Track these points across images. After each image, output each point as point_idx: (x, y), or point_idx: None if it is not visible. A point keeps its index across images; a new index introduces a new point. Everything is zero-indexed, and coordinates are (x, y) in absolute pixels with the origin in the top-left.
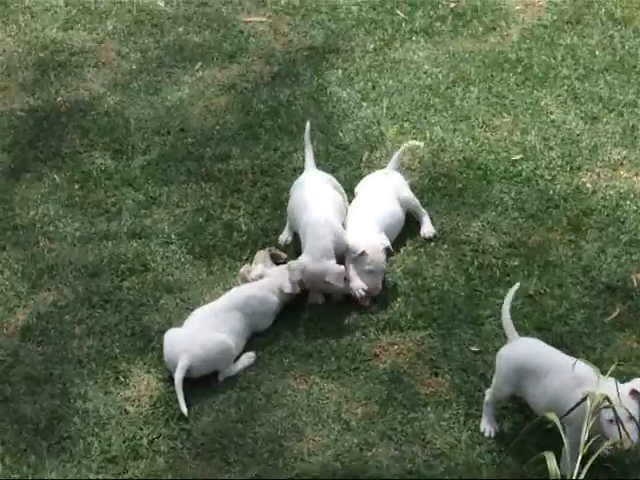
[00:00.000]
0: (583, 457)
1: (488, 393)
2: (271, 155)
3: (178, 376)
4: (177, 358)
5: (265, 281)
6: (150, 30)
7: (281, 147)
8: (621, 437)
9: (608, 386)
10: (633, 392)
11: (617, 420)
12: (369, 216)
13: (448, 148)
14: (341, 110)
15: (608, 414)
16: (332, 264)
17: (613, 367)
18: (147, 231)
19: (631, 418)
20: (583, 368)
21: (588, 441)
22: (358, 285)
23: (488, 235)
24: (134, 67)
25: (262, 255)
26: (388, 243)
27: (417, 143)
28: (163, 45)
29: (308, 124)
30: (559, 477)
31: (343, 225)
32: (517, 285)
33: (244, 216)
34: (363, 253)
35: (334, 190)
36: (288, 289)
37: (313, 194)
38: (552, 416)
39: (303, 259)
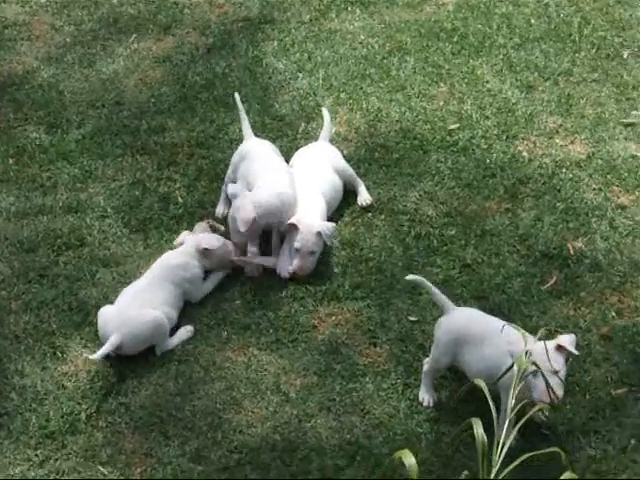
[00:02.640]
0: (516, 422)
1: (426, 363)
2: (207, 127)
3: (103, 350)
4: (110, 336)
5: (184, 247)
6: (84, 3)
7: (217, 119)
8: (550, 393)
9: (536, 347)
10: (558, 347)
11: (542, 375)
12: (313, 190)
13: (385, 118)
14: (277, 81)
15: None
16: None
17: (542, 331)
18: (83, 205)
19: (556, 373)
20: (517, 334)
21: (519, 406)
22: (284, 265)
23: (425, 205)
24: (68, 40)
25: (201, 227)
26: (324, 229)
27: (324, 114)
28: (97, 17)
29: (236, 95)
30: (486, 443)
31: None
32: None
33: (180, 189)
34: (295, 227)
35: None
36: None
37: (268, 159)
38: (480, 382)
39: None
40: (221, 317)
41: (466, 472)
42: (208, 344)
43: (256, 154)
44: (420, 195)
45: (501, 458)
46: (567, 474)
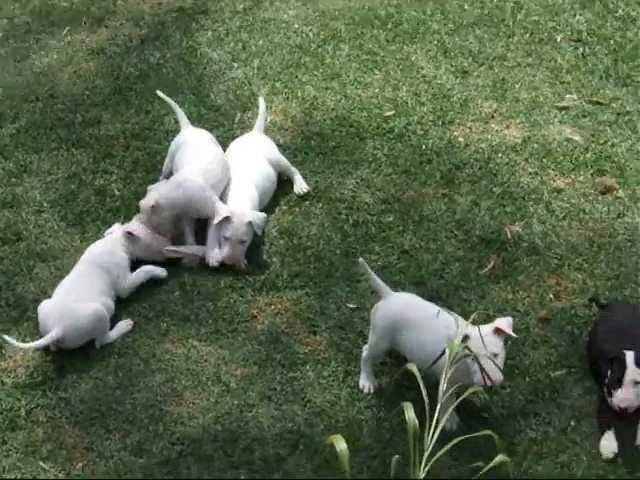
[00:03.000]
0: (446, 406)
1: (365, 349)
2: (142, 119)
3: (42, 341)
4: (50, 330)
5: (112, 235)
6: None
7: (152, 110)
8: (487, 377)
9: (474, 330)
10: (497, 330)
11: (477, 360)
12: (246, 181)
13: (320, 106)
14: (212, 71)
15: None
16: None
17: (474, 315)
18: (19, 200)
19: (495, 356)
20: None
21: (453, 389)
22: (213, 254)
23: (362, 192)
24: (0, 34)
25: (138, 219)
26: (255, 219)
27: (260, 103)
28: (29, 11)
29: (159, 92)
30: (417, 427)
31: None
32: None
33: (117, 181)
34: (227, 219)
35: (217, 147)
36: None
37: (199, 148)
38: (412, 367)
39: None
40: (160, 309)
41: (398, 456)
42: (147, 336)
43: (189, 143)
44: (357, 182)
45: (433, 441)
46: (500, 457)
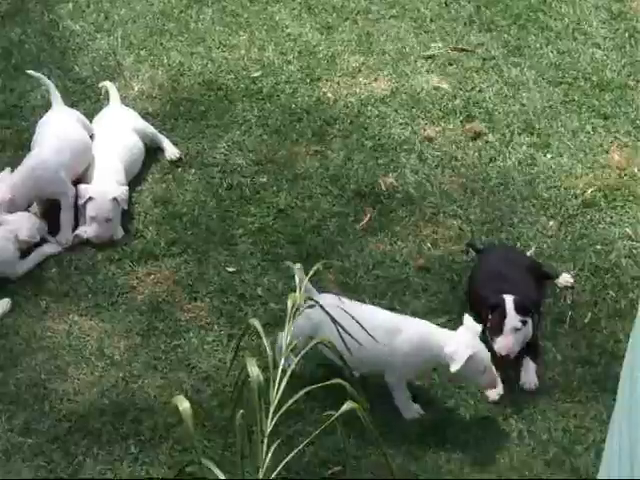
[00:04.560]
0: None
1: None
2: (7, 97)
3: None
4: None
5: (1, 229)
6: None
7: (18, 87)
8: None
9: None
10: None
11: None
12: (109, 155)
13: (187, 72)
14: (75, 44)
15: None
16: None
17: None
18: None
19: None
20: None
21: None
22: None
23: (235, 155)
24: None
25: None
26: (119, 194)
27: (107, 84)
28: None
29: (30, 72)
30: (261, 382)
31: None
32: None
33: None
34: (90, 199)
35: (80, 127)
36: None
37: (51, 128)
38: (254, 322)
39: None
40: (38, 286)
41: (242, 411)
42: (27, 315)
43: (50, 123)
44: (229, 145)
45: (279, 394)
46: (348, 403)
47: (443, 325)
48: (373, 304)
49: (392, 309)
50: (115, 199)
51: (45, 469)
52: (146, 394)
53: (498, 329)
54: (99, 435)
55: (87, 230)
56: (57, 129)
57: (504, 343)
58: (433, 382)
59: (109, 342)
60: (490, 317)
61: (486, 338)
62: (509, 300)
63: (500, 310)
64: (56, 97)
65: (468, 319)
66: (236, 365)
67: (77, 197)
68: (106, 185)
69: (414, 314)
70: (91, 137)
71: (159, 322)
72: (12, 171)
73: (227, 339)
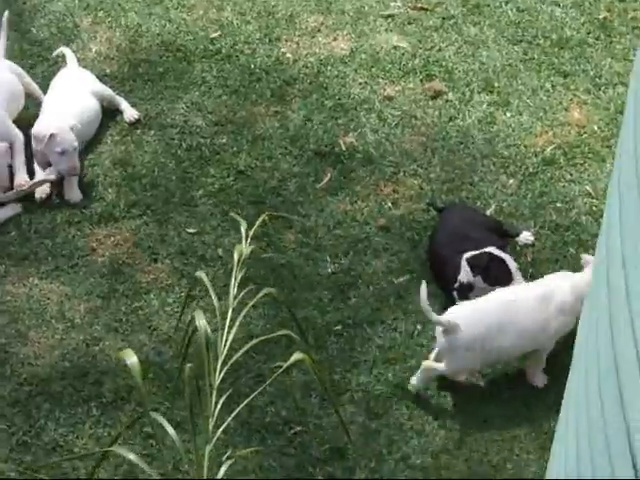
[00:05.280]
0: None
1: None
2: None
3: None
4: None
5: None
6: None
7: None
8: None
9: None
10: None
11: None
12: (62, 117)
13: (145, 33)
14: (32, 5)
15: None
16: None
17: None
18: None
19: None
20: None
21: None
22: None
23: (194, 116)
24: None
25: None
26: (74, 122)
27: (63, 49)
28: None
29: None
30: (209, 334)
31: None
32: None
33: None
34: (52, 135)
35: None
36: None
37: None
38: (201, 275)
39: None
40: None
41: (190, 364)
42: None
43: None
44: (188, 107)
45: (227, 347)
46: (296, 354)
47: (404, 285)
48: (334, 264)
49: (352, 269)
50: (73, 127)
51: (6, 432)
52: (107, 357)
53: (507, 276)
54: (60, 398)
55: (59, 168)
56: None
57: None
58: (394, 341)
59: (69, 305)
60: (489, 267)
61: (452, 297)
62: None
63: (499, 260)
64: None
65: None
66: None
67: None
68: (58, 119)
69: (375, 274)
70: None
71: (119, 284)
72: None
73: (188, 301)
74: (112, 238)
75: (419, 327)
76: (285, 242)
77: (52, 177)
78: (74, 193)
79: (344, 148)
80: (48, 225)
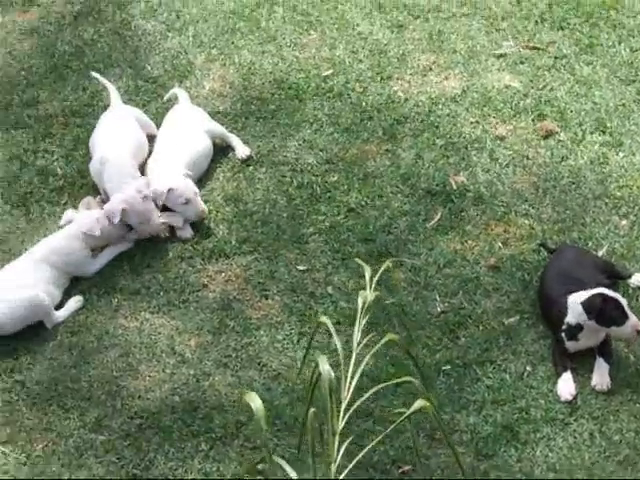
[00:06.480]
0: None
1: None
2: (80, 96)
3: None
4: None
5: (68, 229)
6: None
7: (90, 87)
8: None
9: None
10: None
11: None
12: (174, 154)
13: (258, 71)
14: (147, 43)
15: None
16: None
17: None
18: None
19: None
20: None
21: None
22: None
23: (305, 153)
24: None
25: (85, 204)
26: (186, 170)
27: (175, 90)
28: None
29: (93, 73)
30: (332, 379)
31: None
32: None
33: (58, 160)
34: (170, 190)
35: (133, 126)
36: (95, 231)
37: (105, 131)
38: (324, 319)
39: (121, 197)
40: (110, 284)
41: (314, 409)
42: (99, 313)
43: (99, 124)
44: (299, 144)
45: (350, 392)
46: (419, 402)
47: (514, 326)
48: (444, 303)
49: (462, 308)
50: (187, 175)
51: (116, 465)
52: (217, 392)
53: (622, 316)
54: (170, 432)
55: (186, 216)
56: (115, 127)
57: (634, 320)
58: (503, 382)
59: (180, 340)
60: (603, 309)
61: (560, 339)
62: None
63: (612, 300)
64: (114, 95)
65: None
66: (305, 363)
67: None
68: (174, 173)
69: (484, 313)
70: (149, 137)
71: (230, 320)
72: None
73: (297, 337)
74: (223, 274)
75: (529, 368)
76: (395, 280)
77: (180, 223)
78: (186, 229)
79: (455, 187)
80: (160, 260)
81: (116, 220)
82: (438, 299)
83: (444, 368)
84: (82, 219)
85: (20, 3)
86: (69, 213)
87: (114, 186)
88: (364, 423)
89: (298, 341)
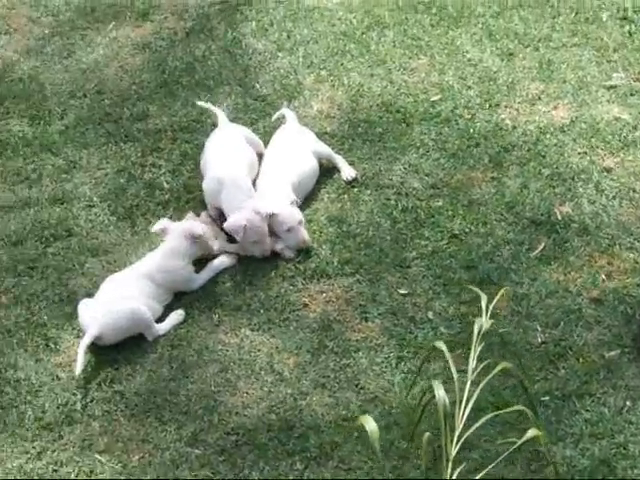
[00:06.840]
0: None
1: None
2: (189, 111)
3: (83, 342)
4: (88, 328)
5: (166, 247)
6: None
7: None
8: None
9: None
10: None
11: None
12: (281, 174)
13: (366, 93)
14: (257, 62)
15: None
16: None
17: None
18: (69, 195)
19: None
20: None
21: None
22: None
23: (411, 177)
24: (46, 31)
25: (191, 217)
26: (293, 197)
27: (283, 112)
28: (74, 7)
29: (199, 102)
30: (447, 405)
31: (253, 182)
32: None
33: (165, 174)
34: (273, 215)
35: (244, 145)
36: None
37: (217, 151)
38: (440, 344)
39: (243, 214)
40: (212, 300)
41: (428, 434)
42: (200, 327)
43: (210, 143)
44: (405, 168)
45: (463, 419)
46: (532, 431)
47: (615, 360)
48: (544, 334)
49: (563, 340)
50: (293, 202)
51: None
52: (313, 412)
53: None
54: (266, 450)
55: (287, 244)
56: (228, 146)
57: None
58: (602, 416)
59: (279, 358)
60: None
61: None
62: None
63: None
64: (221, 116)
65: None
66: (405, 385)
67: None
68: (279, 197)
69: (585, 345)
70: (257, 155)
71: (329, 340)
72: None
73: (396, 361)
74: (324, 294)
75: (629, 403)
76: (497, 309)
77: (291, 255)
78: (289, 249)
79: (560, 217)
80: (262, 278)
81: (239, 236)
82: (539, 329)
83: (542, 399)
84: (188, 224)
85: (133, 18)
86: (162, 221)
87: (231, 205)
88: (474, 450)
89: (397, 365)
